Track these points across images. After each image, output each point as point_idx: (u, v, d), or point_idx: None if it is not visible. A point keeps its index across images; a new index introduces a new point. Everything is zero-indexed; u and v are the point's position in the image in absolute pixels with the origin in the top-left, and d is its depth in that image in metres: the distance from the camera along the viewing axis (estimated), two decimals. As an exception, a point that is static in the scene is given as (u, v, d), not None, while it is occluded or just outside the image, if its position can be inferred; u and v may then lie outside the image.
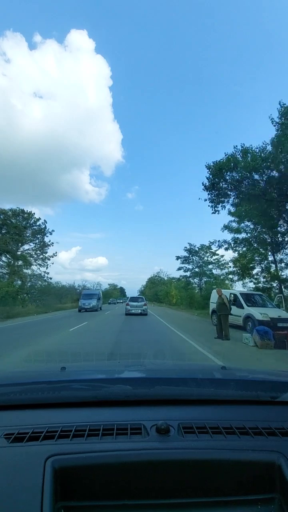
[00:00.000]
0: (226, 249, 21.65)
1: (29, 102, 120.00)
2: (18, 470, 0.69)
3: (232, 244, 21.16)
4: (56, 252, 32.36)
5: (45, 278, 29.25)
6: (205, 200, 13.79)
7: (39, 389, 1.04)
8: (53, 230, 30.47)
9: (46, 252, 29.54)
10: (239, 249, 21.29)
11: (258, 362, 5.93)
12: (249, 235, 20.21)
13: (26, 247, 28.92)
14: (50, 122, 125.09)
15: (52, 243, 30.03)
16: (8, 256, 27.26)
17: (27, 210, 28.85)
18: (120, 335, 8.78)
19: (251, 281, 21.62)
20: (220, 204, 14.05)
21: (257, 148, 12.23)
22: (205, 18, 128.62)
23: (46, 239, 29.90)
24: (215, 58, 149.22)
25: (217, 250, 26.77)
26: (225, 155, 12.49)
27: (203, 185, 13.53)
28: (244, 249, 20.98)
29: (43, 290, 28.35)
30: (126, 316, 17.19)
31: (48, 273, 29.01)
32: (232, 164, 12.26)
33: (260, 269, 21.18)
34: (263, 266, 20.96)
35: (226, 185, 13.30)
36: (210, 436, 0.81)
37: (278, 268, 19.72)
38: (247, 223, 19.49)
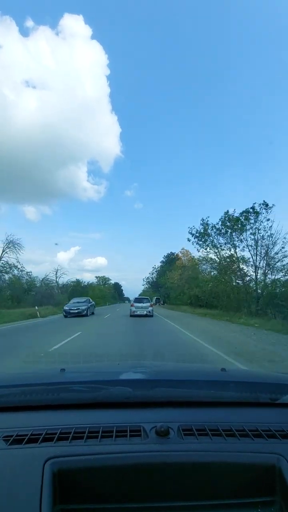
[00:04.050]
0: None
1: (22, 93, 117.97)
2: (17, 472, 0.69)
3: None
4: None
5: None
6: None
7: (38, 391, 1.04)
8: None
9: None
10: None
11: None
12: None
13: None
14: (44, 114, 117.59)
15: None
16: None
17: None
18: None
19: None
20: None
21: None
22: (207, 5, 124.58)
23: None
24: (218, 50, 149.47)
25: None
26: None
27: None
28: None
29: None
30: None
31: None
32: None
33: None
34: None
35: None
36: (210, 439, 0.81)
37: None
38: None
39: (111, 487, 0.71)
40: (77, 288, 53.80)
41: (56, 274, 49.54)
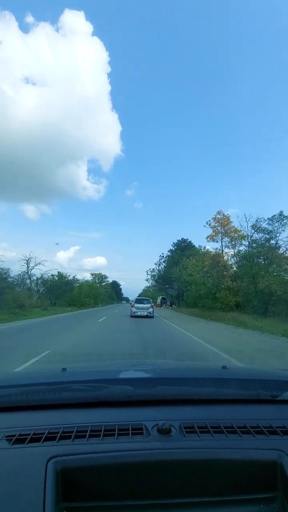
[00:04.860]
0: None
1: (21, 89, 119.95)
2: (20, 471, 0.69)
3: None
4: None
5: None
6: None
7: (40, 390, 1.03)
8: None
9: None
10: None
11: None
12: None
13: None
14: (44, 111, 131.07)
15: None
16: None
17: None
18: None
19: None
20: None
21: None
22: (208, 3, 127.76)
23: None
24: (219, 49, 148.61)
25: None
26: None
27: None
28: None
29: None
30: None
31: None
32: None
33: None
34: None
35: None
36: (212, 436, 0.81)
37: None
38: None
39: (114, 485, 0.72)
40: (58, 284, 39.88)
41: (27, 264, 35.77)
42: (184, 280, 29.88)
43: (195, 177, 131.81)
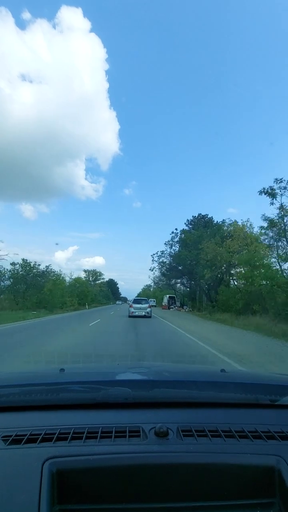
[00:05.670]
0: None
1: (18, 87, 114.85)
2: (16, 472, 0.69)
3: None
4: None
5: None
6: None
7: (37, 391, 1.03)
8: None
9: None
10: None
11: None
12: None
13: None
14: (41, 109, 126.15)
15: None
16: None
17: None
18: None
19: None
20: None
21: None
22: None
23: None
24: (219, 48, 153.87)
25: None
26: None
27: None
28: None
29: None
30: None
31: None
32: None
33: None
34: None
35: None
36: (209, 440, 0.81)
37: None
38: None
39: (110, 488, 0.71)
40: (24, 276, 27.30)
41: None
42: (226, 262, 17.71)
43: (195, 176, 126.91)
